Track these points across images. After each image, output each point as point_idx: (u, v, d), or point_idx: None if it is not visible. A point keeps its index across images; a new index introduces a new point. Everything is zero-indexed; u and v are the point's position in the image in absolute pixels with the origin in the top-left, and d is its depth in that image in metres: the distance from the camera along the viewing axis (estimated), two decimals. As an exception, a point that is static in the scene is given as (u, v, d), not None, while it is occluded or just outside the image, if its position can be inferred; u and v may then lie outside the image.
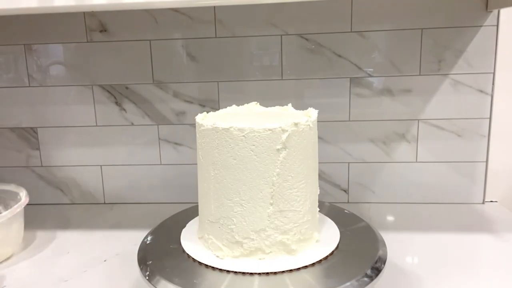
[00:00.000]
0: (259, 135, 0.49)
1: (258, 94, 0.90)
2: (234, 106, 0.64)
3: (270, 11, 0.87)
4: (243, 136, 0.49)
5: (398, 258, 0.68)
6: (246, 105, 0.64)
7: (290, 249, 0.52)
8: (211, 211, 0.54)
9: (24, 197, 0.76)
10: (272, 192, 0.51)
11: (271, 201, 0.51)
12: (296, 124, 0.51)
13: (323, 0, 0.79)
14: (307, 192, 0.54)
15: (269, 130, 0.49)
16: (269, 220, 0.51)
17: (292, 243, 0.52)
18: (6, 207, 0.79)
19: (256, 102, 0.64)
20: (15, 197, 0.77)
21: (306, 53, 0.88)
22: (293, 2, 0.84)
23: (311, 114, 0.56)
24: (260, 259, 0.52)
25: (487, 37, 0.84)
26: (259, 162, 0.50)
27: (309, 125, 0.52)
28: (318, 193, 0.59)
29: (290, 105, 0.62)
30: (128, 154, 0.96)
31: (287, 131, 0.50)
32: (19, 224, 0.76)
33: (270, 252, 0.52)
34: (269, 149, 0.50)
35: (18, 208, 0.72)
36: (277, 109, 0.63)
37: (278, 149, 0.50)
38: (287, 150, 0.50)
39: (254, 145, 0.50)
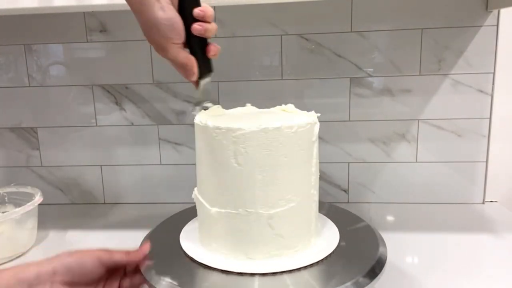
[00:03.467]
0: (247, 135, 0.49)
1: (258, 94, 0.90)
2: (254, 107, 0.63)
3: (270, 11, 0.87)
4: (232, 136, 0.49)
5: (398, 258, 0.68)
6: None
7: (286, 250, 0.52)
8: (207, 211, 0.54)
9: (38, 196, 0.78)
10: (262, 193, 0.50)
11: (262, 202, 0.51)
12: (283, 126, 0.50)
13: (323, 0, 0.79)
14: (303, 194, 0.53)
15: (257, 130, 0.49)
16: (261, 221, 0.51)
17: (288, 244, 0.52)
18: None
19: (280, 106, 0.61)
20: (30, 199, 0.78)
21: (306, 53, 0.88)
22: (293, 2, 0.84)
23: (311, 116, 0.54)
24: (258, 259, 0.52)
25: (487, 37, 0.84)
26: (246, 163, 0.50)
27: (300, 127, 0.51)
28: (318, 195, 0.58)
29: (313, 112, 0.58)
30: (128, 154, 0.96)
31: (275, 132, 0.49)
32: (33, 222, 0.77)
33: (266, 253, 0.52)
34: (257, 150, 0.49)
35: (30, 206, 0.74)
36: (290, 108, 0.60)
37: (266, 150, 0.49)
38: (275, 151, 0.50)
39: (244, 145, 0.49)
